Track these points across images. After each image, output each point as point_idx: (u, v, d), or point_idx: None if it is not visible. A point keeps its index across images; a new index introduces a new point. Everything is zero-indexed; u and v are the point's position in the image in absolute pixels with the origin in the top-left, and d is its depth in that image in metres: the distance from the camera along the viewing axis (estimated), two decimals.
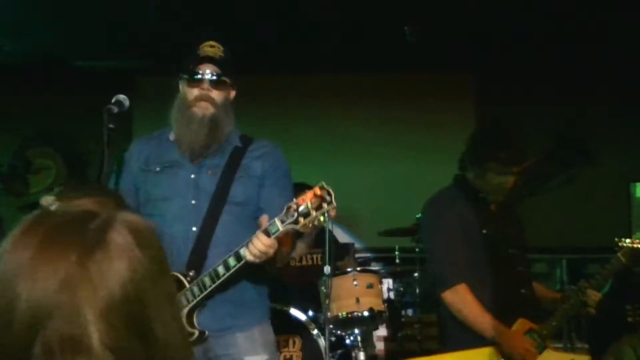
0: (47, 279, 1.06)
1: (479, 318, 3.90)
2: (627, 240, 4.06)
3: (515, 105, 8.20)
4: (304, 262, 6.30)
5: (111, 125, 3.28)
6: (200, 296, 3.30)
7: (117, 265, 1.09)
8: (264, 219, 3.17)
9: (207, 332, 3.35)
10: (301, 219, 3.06)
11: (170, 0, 6.40)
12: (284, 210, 3.10)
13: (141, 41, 7.42)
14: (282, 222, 3.09)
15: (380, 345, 6.60)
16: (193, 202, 3.46)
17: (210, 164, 3.51)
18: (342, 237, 7.66)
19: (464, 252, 3.97)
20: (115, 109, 3.32)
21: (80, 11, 6.70)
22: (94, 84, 7.35)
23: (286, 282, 5.93)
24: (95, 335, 1.05)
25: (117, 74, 7.77)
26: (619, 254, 4.05)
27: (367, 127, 8.44)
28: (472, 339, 3.95)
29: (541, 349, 3.94)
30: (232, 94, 3.59)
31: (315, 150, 8.38)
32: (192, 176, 3.50)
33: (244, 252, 3.19)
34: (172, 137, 3.59)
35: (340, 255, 6.43)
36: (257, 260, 3.17)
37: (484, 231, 4.03)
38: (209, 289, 3.29)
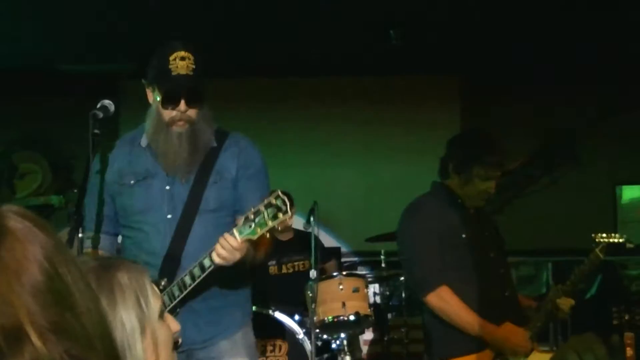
0: None
1: (465, 317, 3.92)
2: (604, 235, 4.12)
3: (501, 107, 8.24)
4: (287, 270, 6.33)
5: (96, 131, 3.25)
6: (170, 305, 3.26)
7: (29, 248, 1.12)
8: (240, 221, 3.14)
9: (179, 341, 3.36)
10: (258, 229, 3.05)
11: (155, 3, 6.39)
12: (242, 221, 3.09)
13: (126, 45, 7.42)
14: (240, 233, 3.08)
15: (366, 349, 6.62)
16: (169, 216, 3.43)
17: (184, 170, 3.44)
18: (329, 241, 7.67)
19: (443, 256, 3.99)
20: (101, 114, 3.30)
21: (64, 15, 6.69)
22: (79, 88, 7.36)
23: (272, 288, 5.96)
24: (29, 319, 1.08)
25: (103, 78, 7.76)
26: (596, 250, 4.09)
27: (353, 130, 8.44)
28: (457, 343, 3.98)
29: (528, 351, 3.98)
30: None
31: (299, 154, 8.38)
32: (167, 187, 3.45)
33: (207, 262, 3.18)
34: (144, 142, 3.52)
35: (326, 258, 6.46)
36: (225, 263, 3.13)
37: (464, 235, 4.06)
38: (177, 299, 3.28)
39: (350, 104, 8.42)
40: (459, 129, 8.06)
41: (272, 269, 6.25)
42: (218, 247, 3.11)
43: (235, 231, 3.09)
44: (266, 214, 3.03)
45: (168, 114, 3.36)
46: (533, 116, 8.32)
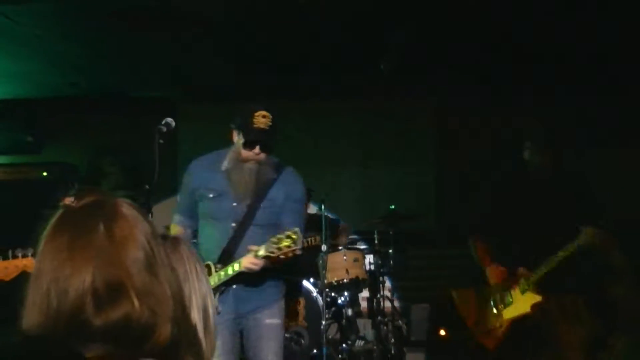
0: (86, 248, 1.12)
1: (481, 258, 4.15)
2: None
3: (462, 124, 8.09)
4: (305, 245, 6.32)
5: (161, 141, 3.34)
6: (218, 283, 3.51)
7: (134, 230, 1.17)
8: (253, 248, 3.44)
9: (219, 308, 3.53)
10: (276, 251, 3.31)
11: (208, 44, 6.41)
12: (268, 242, 3.34)
13: (186, 76, 7.46)
14: (266, 249, 3.35)
15: (363, 304, 6.62)
16: (233, 224, 3.62)
17: (248, 196, 3.63)
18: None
19: (498, 212, 4.10)
20: (164, 129, 3.39)
21: (138, 55, 6.76)
22: (147, 110, 7.37)
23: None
24: (129, 280, 1.12)
25: (166, 102, 7.78)
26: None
27: (353, 142, 8.42)
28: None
29: (523, 290, 3.94)
30: None
31: (313, 159, 8.33)
32: (234, 204, 3.63)
33: (237, 266, 3.48)
34: (224, 167, 3.66)
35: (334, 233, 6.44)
36: (248, 271, 3.43)
37: (525, 203, 4.04)
38: (223, 280, 3.52)
39: (351, 122, 8.39)
40: (436, 142, 8.01)
41: None
42: (244, 261, 3.43)
43: (262, 248, 3.37)
44: (284, 242, 3.29)
45: (246, 153, 3.55)
46: (490, 126, 7.94)
